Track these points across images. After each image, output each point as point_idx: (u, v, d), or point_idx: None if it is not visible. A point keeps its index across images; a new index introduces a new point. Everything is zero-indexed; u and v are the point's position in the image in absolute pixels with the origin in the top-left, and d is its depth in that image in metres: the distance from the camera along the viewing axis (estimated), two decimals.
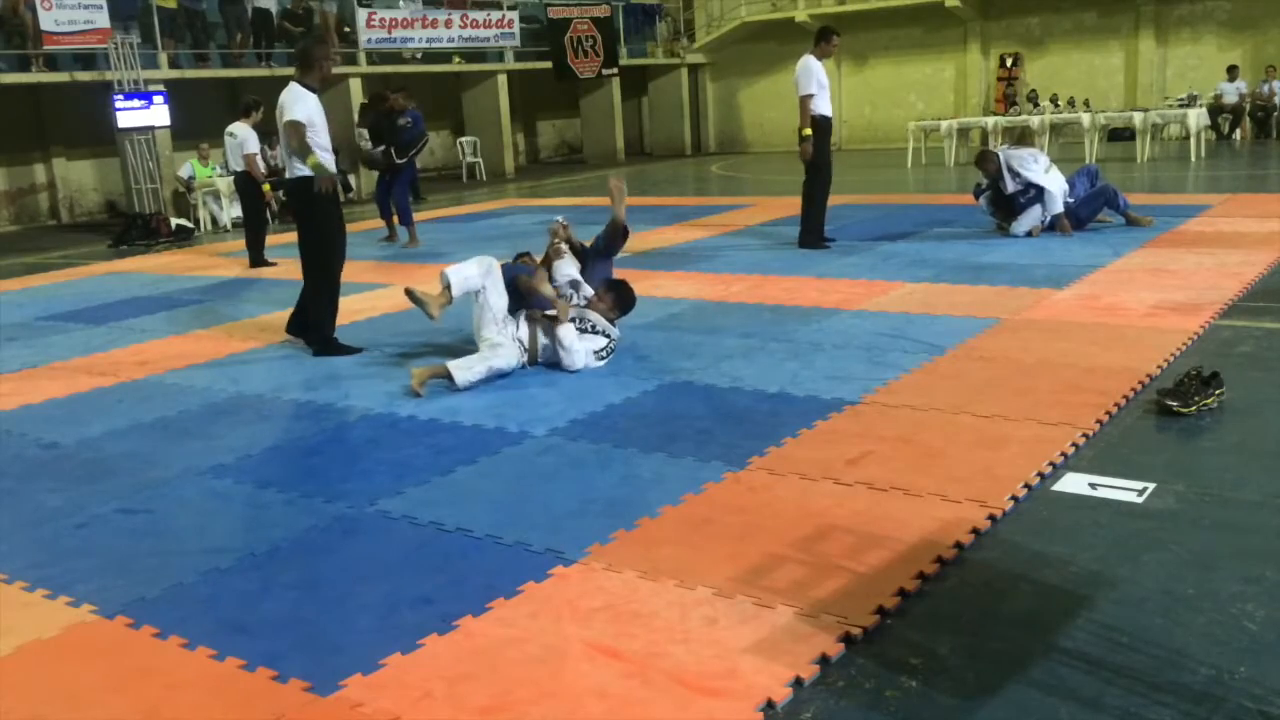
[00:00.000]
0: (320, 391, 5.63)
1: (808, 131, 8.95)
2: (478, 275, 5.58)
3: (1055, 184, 8.97)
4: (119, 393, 5.92)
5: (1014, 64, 21.44)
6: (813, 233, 9.25)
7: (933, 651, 2.74)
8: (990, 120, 17.81)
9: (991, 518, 3.50)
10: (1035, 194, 8.98)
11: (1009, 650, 2.72)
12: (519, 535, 3.60)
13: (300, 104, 6.31)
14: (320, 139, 6.38)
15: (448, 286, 5.64)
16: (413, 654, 2.88)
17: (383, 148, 11.63)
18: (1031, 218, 9.02)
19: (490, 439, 4.66)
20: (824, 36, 9.13)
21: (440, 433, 4.81)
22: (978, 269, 7.80)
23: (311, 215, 6.47)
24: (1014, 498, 3.66)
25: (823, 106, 8.99)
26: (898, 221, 9.74)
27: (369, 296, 8.41)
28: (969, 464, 3.99)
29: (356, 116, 16.30)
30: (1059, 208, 8.93)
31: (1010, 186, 9.09)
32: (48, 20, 13.88)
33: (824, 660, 2.72)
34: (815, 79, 8.91)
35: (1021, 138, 16.09)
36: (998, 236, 9.11)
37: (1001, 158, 9.19)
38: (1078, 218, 9.10)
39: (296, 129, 6.27)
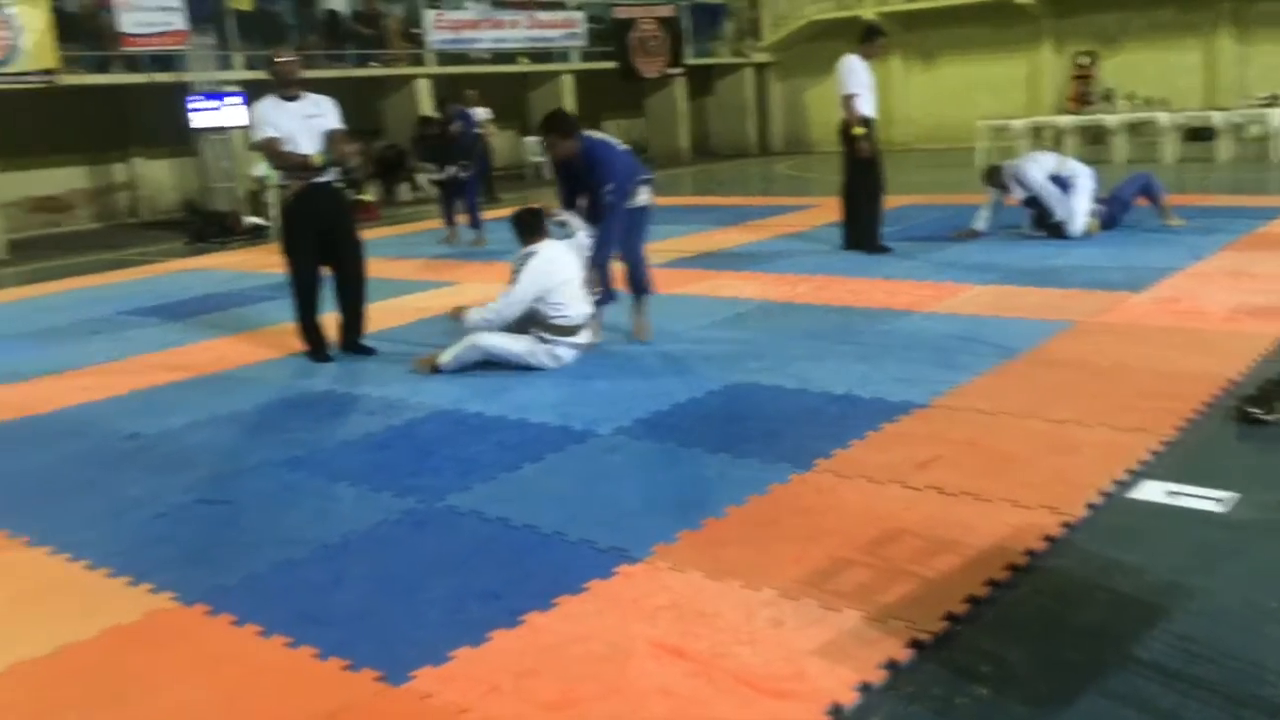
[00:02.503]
0: (390, 388, 5.71)
1: (860, 130, 8.78)
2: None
3: (1053, 190, 8.95)
4: (196, 386, 6.07)
5: (1089, 62, 21.04)
6: (871, 236, 9.06)
7: (1003, 660, 2.71)
8: (1064, 119, 17.49)
9: (1065, 525, 3.44)
10: (1054, 190, 8.95)
11: (1082, 660, 2.67)
12: (584, 533, 3.63)
13: (253, 122, 6.26)
14: (294, 148, 6.15)
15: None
16: (480, 647, 2.92)
17: (454, 170, 11.67)
18: (1077, 215, 8.87)
19: (556, 437, 4.69)
20: (870, 36, 8.96)
21: (507, 430, 4.85)
22: (1050, 271, 7.67)
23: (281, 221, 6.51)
24: (1089, 505, 3.59)
25: (866, 107, 8.76)
26: (967, 222, 9.60)
27: (433, 295, 8.50)
28: (1041, 469, 3.93)
29: (411, 145, 15.88)
30: (1059, 212, 8.92)
31: (1019, 194, 9.10)
32: (127, 22, 14.24)
33: (892, 665, 2.70)
34: (859, 78, 8.74)
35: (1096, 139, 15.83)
36: (1069, 239, 8.93)
37: (1005, 169, 9.27)
38: (1122, 201, 9.21)
39: (266, 148, 6.25)
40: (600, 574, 3.30)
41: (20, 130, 14.75)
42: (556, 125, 6.09)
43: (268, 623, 3.13)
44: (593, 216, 6.08)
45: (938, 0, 22.10)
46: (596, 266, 5.99)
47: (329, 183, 6.28)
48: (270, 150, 6.20)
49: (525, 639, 2.95)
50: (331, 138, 6.20)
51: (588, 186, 6.01)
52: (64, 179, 16.75)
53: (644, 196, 6.24)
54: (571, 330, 5.82)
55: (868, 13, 22.06)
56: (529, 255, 5.83)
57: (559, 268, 5.80)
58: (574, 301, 5.80)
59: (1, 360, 7.06)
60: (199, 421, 5.31)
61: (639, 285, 6.40)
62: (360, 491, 4.20)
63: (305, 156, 6.09)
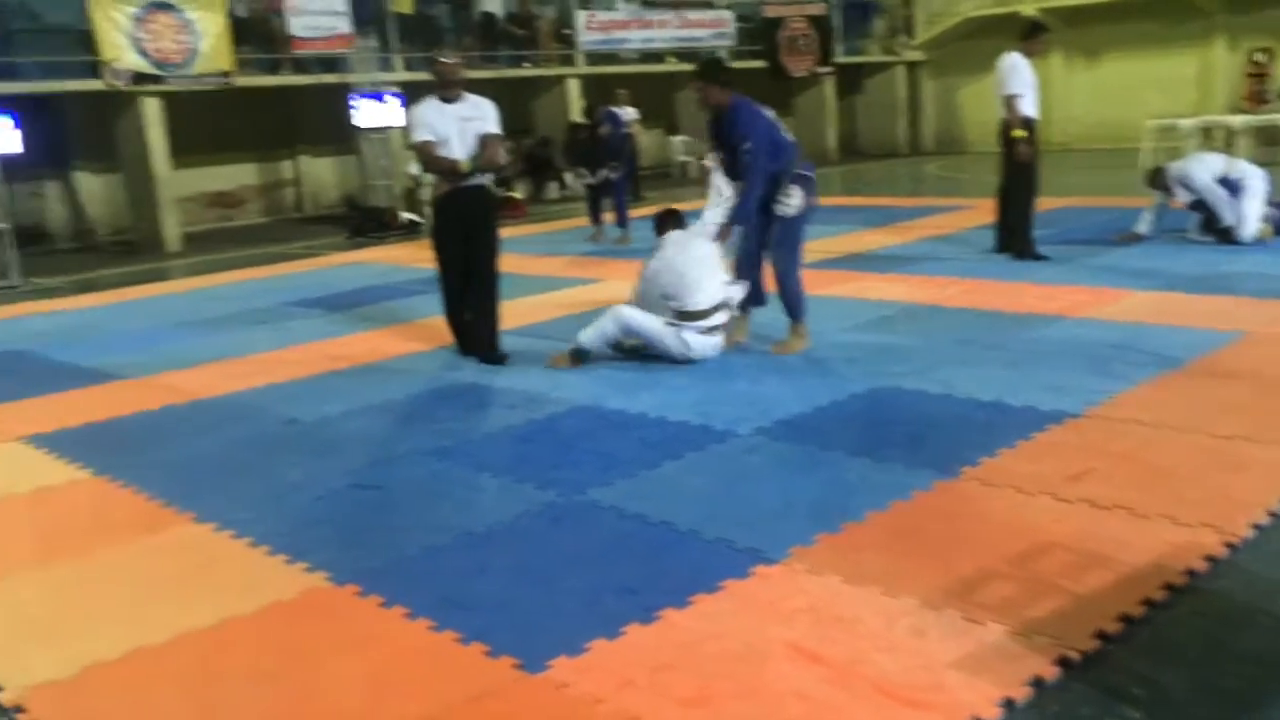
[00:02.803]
0: (532, 381, 5.83)
1: (1020, 133, 8.44)
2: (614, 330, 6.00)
3: (1220, 193, 8.53)
4: (351, 375, 6.31)
5: (1265, 59, 19.87)
6: (1025, 240, 8.74)
7: (1157, 683, 2.59)
8: (1237, 119, 16.56)
9: (1229, 545, 3.27)
10: (1222, 193, 8.55)
11: (1243, 687, 2.54)
12: (721, 532, 3.63)
13: (410, 124, 6.27)
14: (439, 152, 6.11)
15: (578, 350, 6.02)
16: (616, 641, 2.95)
17: (605, 173, 11.83)
18: (1248, 220, 8.39)
19: (696, 435, 4.71)
20: (1034, 32, 8.61)
21: (647, 427, 4.89)
22: (1218, 278, 7.28)
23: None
24: (1255, 525, 3.40)
25: (1029, 108, 8.40)
26: (1129, 225, 9.20)
27: (577, 292, 8.62)
28: (1203, 486, 3.74)
29: (564, 150, 16.03)
30: (1228, 216, 8.51)
31: (1184, 197, 8.72)
32: (297, 26, 14.90)
33: (1038, 683, 2.61)
34: (1022, 77, 8.41)
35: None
36: (1239, 245, 8.46)
37: (1170, 170, 8.93)
38: None
39: (420, 152, 6.30)
40: (737, 574, 3.30)
41: (197, 129, 15.60)
42: (710, 72, 6.09)
43: (414, 606, 3.24)
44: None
45: None
46: (733, 224, 5.98)
47: (479, 185, 6.27)
48: (423, 153, 6.28)
49: (661, 635, 2.98)
50: (485, 141, 6.17)
51: (730, 148, 5.91)
52: (236, 175, 17.66)
53: (796, 200, 5.93)
54: (699, 315, 5.83)
55: (1028, 8, 21.32)
56: (655, 247, 6.04)
57: (678, 252, 5.90)
58: (700, 287, 5.81)
59: (174, 347, 7.49)
60: (353, 410, 5.52)
61: (788, 307, 6.12)
62: (503, 483, 4.30)
63: (454, 162, 6.09)
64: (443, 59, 6.34)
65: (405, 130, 6.33)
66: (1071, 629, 2.82)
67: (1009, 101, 8.35)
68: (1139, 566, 3.16)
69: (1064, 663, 2.68)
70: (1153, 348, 5.58)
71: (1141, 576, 3.09)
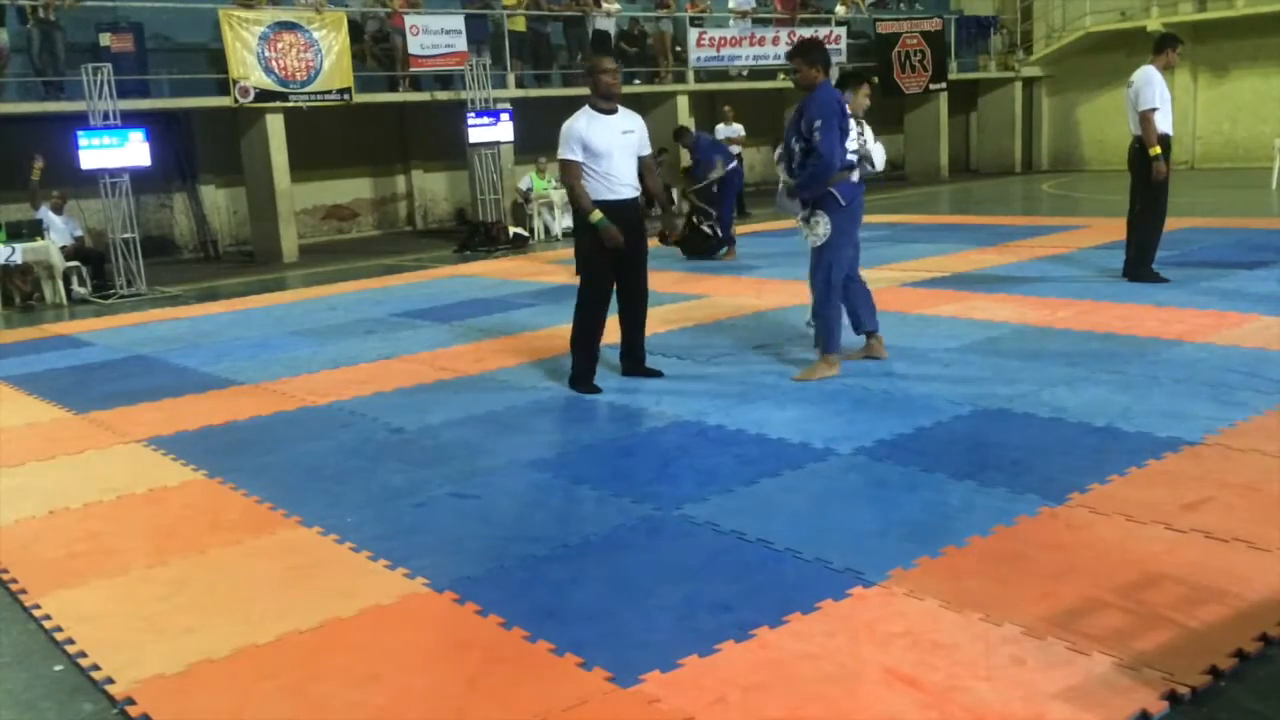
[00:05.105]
0: (634, 396, 5.85)
1: (1157, 150, 8.14)
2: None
3: None
4: (456, 386, 6.43)
5: None
6: (1147, 263, 8.44)
7: None
8: None
9: None
10: None
11: None
12: (819, 552, 3.59)
13: (564, 137, 5.84)
14: (601, 165, 5.81)
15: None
16: (709, 657, 2.94)
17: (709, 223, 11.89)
18: None
19: (795, 453, 4.66)
20: (1168, 45, 8.28)
21: (746, 444, 4.86)
22: None
23: (577, 248, 6.03)
24: None
25: (1164, 124, 8.11)
26: (1257, 248, 8.84)
27: (683, 308, 8.63)
28: None
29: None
30: None
31: None
32: (414, 45, 15.30)
33: (1144, 717, 2.52)
34: (1160, 92, 8.11)
35: None
36: None
37: None
38: None
39: (563, 169, 5.90)
40: (833, 594, 3.26)
41: (316, 145, 16.13)
42: (806, 50, 5.99)
43: (509, 615, 3.28)
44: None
45: (1233, 10, 20.45)
46: (812, 186, 5.98)
47: (634, 199, 5.97)
48: (567, 172, 5.86)
49: (754, 653, 2.95)
50: (647, 167, 6.01)
51: (804, 135, 5.88)
52: (352, 189, 18.18)
53: (822, 228, 5.92)
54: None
55: (1153, 24, 20.70)
56: None
57: None
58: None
59: (288, 355, 7.74)
60: (456, 420, 5.62)
61: (818, 335, 6.11)
62: (601, 495, 4.32)
63: (589, 211, 5.77)
64: (606, 68, 5.90)
65: (562, 147, 5.86)
66: (1182, 663, 2.71)
67: (1146, 117, 8.04)
68: (1256, 602, 3.02)
69: (1173, 697, 2.58)
70: (1278, 375, 5.34)
71: (1259, 612, 2.96)
